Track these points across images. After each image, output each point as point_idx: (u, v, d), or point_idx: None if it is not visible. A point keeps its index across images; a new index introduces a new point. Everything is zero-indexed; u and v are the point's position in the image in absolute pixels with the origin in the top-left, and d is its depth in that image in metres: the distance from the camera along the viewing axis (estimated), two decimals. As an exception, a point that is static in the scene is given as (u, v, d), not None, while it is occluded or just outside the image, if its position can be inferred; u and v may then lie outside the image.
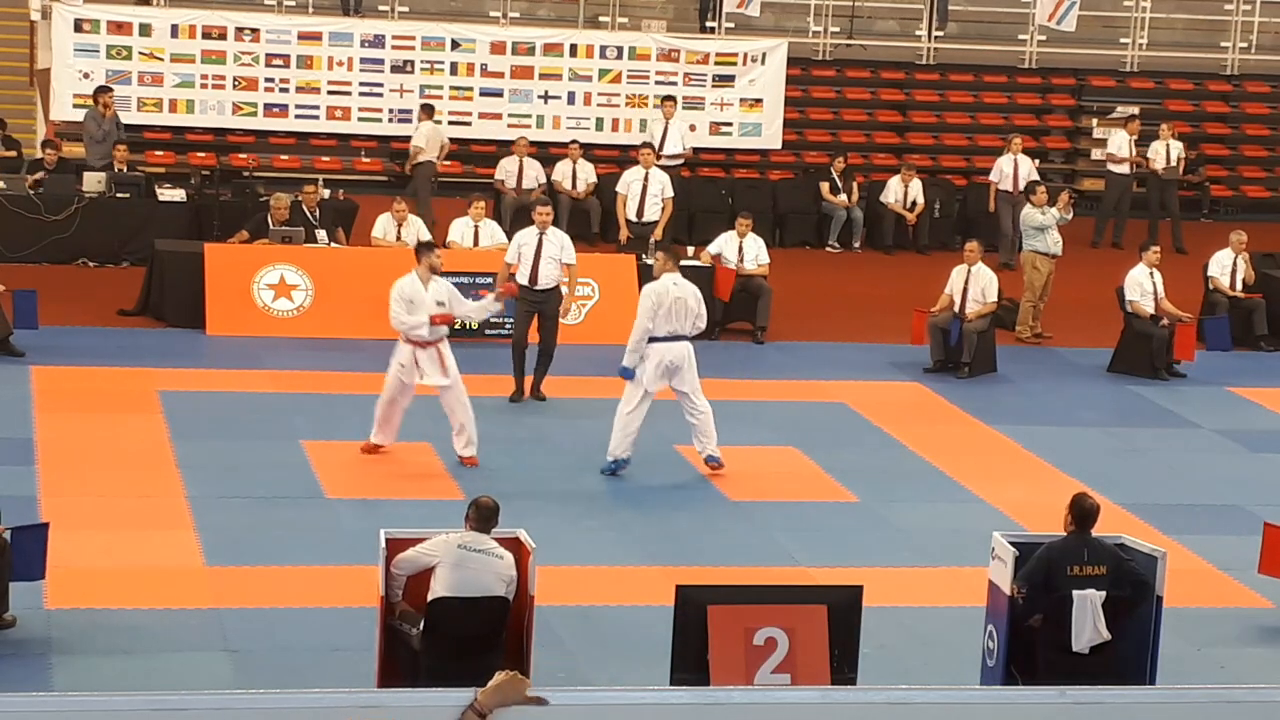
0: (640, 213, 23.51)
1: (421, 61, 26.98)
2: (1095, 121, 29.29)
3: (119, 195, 23.02)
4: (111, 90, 25.00)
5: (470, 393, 16.58)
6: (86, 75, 26.11)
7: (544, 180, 25.26)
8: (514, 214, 24.29)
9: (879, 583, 12.83)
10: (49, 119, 26.34)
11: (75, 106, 26.05)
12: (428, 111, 25.72)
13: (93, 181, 22.97)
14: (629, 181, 23.76)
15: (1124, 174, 27.19)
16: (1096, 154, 28.75)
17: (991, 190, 25.90)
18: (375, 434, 16.50)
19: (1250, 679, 12.05)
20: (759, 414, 18.54)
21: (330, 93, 26.71)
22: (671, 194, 23.68)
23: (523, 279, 18.34)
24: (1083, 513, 11.52)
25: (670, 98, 26.28)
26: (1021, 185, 24.84)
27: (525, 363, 18.65)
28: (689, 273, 21.65)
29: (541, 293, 18.47)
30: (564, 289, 18.75)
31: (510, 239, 21.84)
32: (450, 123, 27.11)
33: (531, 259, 18.45)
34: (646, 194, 23.54)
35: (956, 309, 20.47)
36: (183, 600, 13.08)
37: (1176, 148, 27.31)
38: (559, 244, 18.59)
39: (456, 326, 19.19)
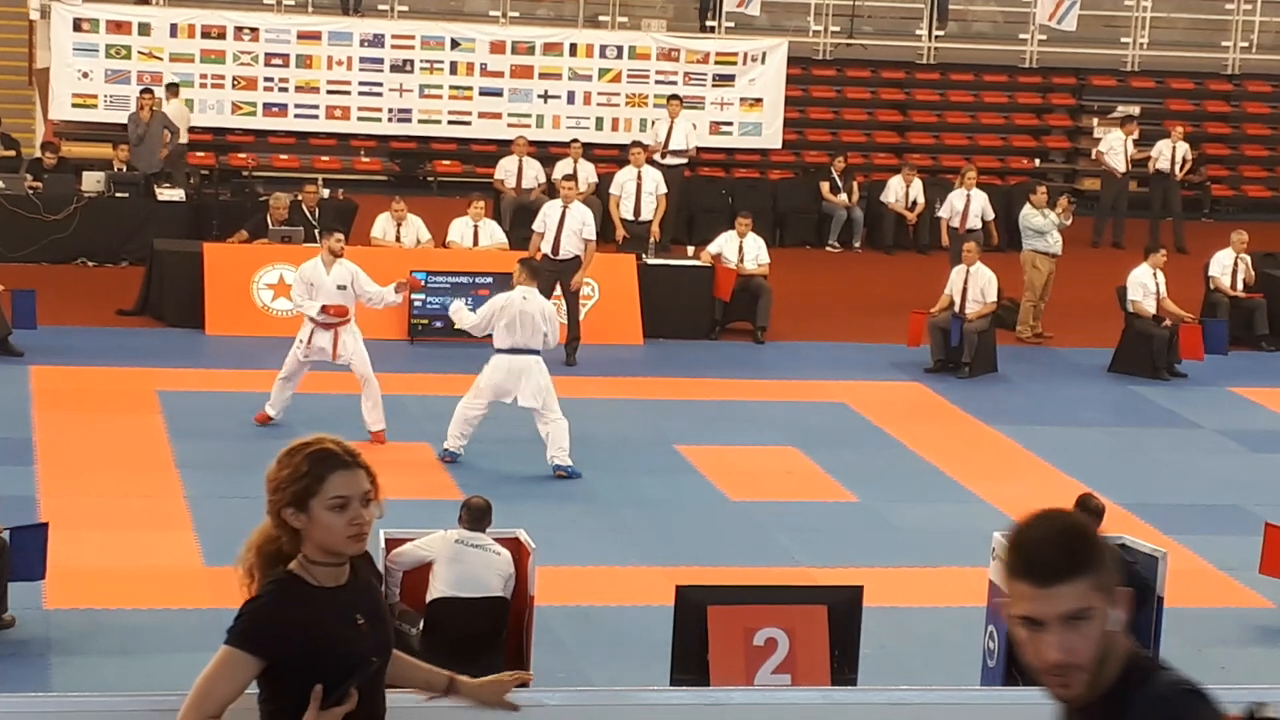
0: (637, 212, 23.50)
1: (421, 61, 26.97)
2: (1095, 121, 29.27)
3: (118, 195, 23.02)
4: (150, 92, 24.94)
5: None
6: (86, 75, 26.11)
7: (544, 180, 25.23)
8: (514, 214, 24.28)
9: (879, 583, 12.82)
10: (48, 118, 26.35)
11: (74, 106, 26.07)
12: (174, 90, 25.47)
13: (92, 181, 22.97)
14: (622, 182, 23.73)
15: (1119, 173, 27.17)
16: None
17: (942, 227, 23.64)
18: (269, 406, 17.00)
19: (1250, 679, 12.04)
20: (759, 414, 18.52)
21: (330, 92, 26.71)
22: (665, 190, 23.67)
23: (546, 248, 19.52)
24: (1086, 513, 11.51)
25: (676, 97, 26.17)
26: (970, 224, 23.31)
27: None
28: (689, 272, 21.81)
29: (561, 262, 19.57)
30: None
31: (509, 239, 22.02)
32: (450, 123, 27.13)
33: (555, 229, 19.56)
34: (641, 192, 23.52)
35: (956, 309, 20.46)
36: (183, 600, 13.06)
37: (1182, 148, 27.29)
38: (581, 218, 19.70)
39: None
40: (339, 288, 16.62)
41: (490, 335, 16.25)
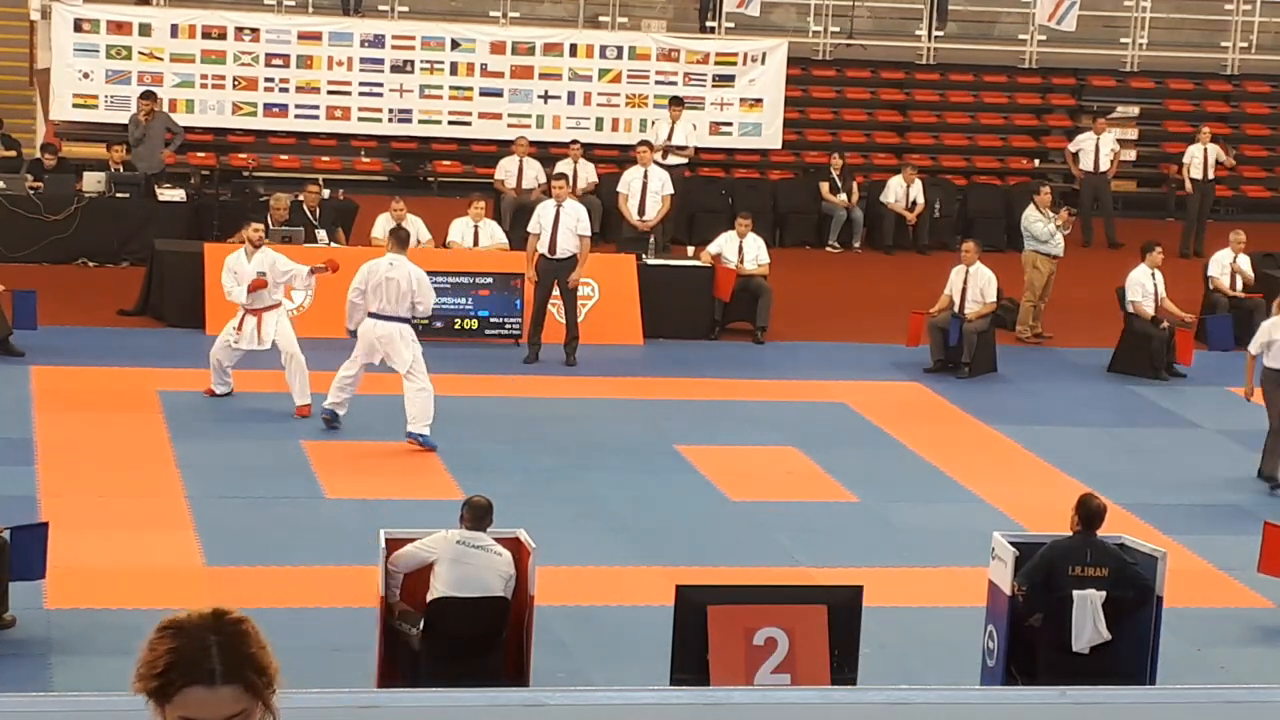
0: (642, 210, 23.52)
1: (421, 61, 26.96)
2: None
3: (119, 195, 23.01)
4: (153, 95, 24.88)
5: (469, 393, 16.65)
6: (86, 75, 26.10)
7: (544, 180, 25.21)
8: (514, 214, 24.28)
9: (879, 583, 12.83)
10: (49, 119, 26.35)
11: (75, 106, 26.07)
12: None
13: (92, 181, 22.97)
14: (629, 180, 23.75)
15: (1091, 172, 27.17)
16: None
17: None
18: (212, 381, 17.91)
19: (1250, 679, 12.06)
20: (759, 414, 18.53)
21: (330, 93, 26.69)
22: (670, 191, 23.66)
23: (542, 248, 19.70)
24: (1089, 513, 11.53)
25: (678, 101, 25.98)
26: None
27: (542, 328, 19.81)
28: (689, 272, 21.81)
29: (559, 261, 19.70)
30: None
31: (509, 239, 22.04)
32: (450, 123, 27.12)
33: (550, 229, 19.61)
34: (647, 191, 23.54)
35: (956, 309, 20.46)
36: (183, 600, 13.02)
37: (1214, 150, 27.28)
38: (575, 215, 19.80)
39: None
40: (258, 274, 17.64)
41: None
